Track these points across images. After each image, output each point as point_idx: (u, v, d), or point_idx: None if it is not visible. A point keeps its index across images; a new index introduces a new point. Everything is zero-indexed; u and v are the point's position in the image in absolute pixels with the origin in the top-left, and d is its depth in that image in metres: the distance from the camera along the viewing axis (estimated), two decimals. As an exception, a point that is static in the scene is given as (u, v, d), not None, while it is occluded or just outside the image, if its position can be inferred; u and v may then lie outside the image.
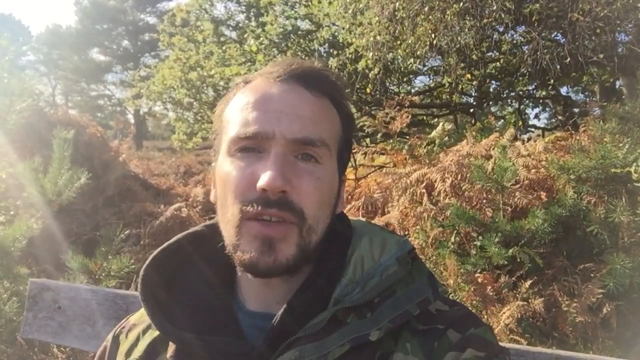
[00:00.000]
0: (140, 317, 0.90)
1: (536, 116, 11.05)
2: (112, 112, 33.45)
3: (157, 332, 0.81)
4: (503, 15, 5.58)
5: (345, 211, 4.27)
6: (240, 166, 0.75)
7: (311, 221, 0.75)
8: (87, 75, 35.03)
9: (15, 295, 2.62)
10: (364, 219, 0.90)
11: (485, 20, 5.62)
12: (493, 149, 4.33)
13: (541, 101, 10.01)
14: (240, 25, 9.87)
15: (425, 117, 10.46)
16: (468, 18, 5.59)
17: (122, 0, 34.15)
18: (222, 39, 9.69)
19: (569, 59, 5.37)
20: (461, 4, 5.49)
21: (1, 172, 4.21)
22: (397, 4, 5.81)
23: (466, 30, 5.53)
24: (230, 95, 0.84)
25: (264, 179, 0.70)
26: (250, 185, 0.73)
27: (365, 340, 0.70)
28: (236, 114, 0.78)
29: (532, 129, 10.43)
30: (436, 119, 9.73)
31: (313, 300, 0.75)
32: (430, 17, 5.77)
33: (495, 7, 5.32)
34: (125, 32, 34.80)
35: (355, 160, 6.99)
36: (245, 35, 8.90)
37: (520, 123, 9.68)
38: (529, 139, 6.57)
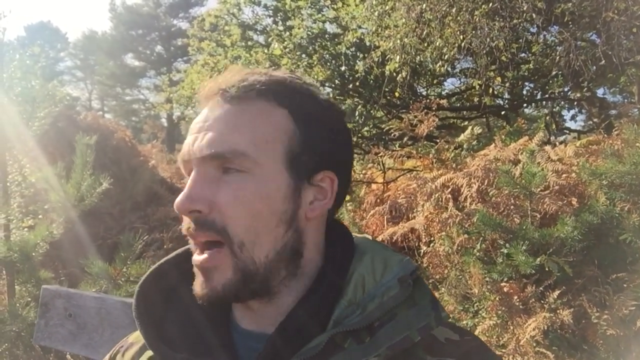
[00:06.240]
0: (139, 335, 0.86)
1: (572, 118, 10.71)
2: (147, 116, 34.04)
3: (151, 352, 0.78)
4: (534, 16, 5.43)
5: (369, 216, 4.19)
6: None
7: (242, 236, 0.70)
8: (122, 80, 35.80)
9: (37, 299, 2.66)
10: (369, 236, 0.85)
11: (515, 21, 5.48)
12: (521, 153, 4.21)
13: (576, 103, 9.70)
14: (267, 29, 9.89)
15: (456, 120, 10.26)
16: (497, 19, 5.46)
17: (155, 6, 34.77)
18: (249, 43, 9.72)
19: (603, 61, 5.17)
20: (490, 4, 5.37)
21: (31, 176, 4.30)
22: (424, 5, 5.72)
23: (495, 31, 5.39)
24: None
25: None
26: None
27: None
28: None
29: (567, 131, 10.13)
30: (467, 122, 9.53)
31: (307, 322, 0.71)
32: (458, 18, 5.65)
33: (525, 8, 5.18)
34: (158, 37, 35.41)
35: (383, 164, 6.90)
36: (269, 39, 8.91)
37: (554, 126, 9.41)
38: (562, 142, 6.38)
